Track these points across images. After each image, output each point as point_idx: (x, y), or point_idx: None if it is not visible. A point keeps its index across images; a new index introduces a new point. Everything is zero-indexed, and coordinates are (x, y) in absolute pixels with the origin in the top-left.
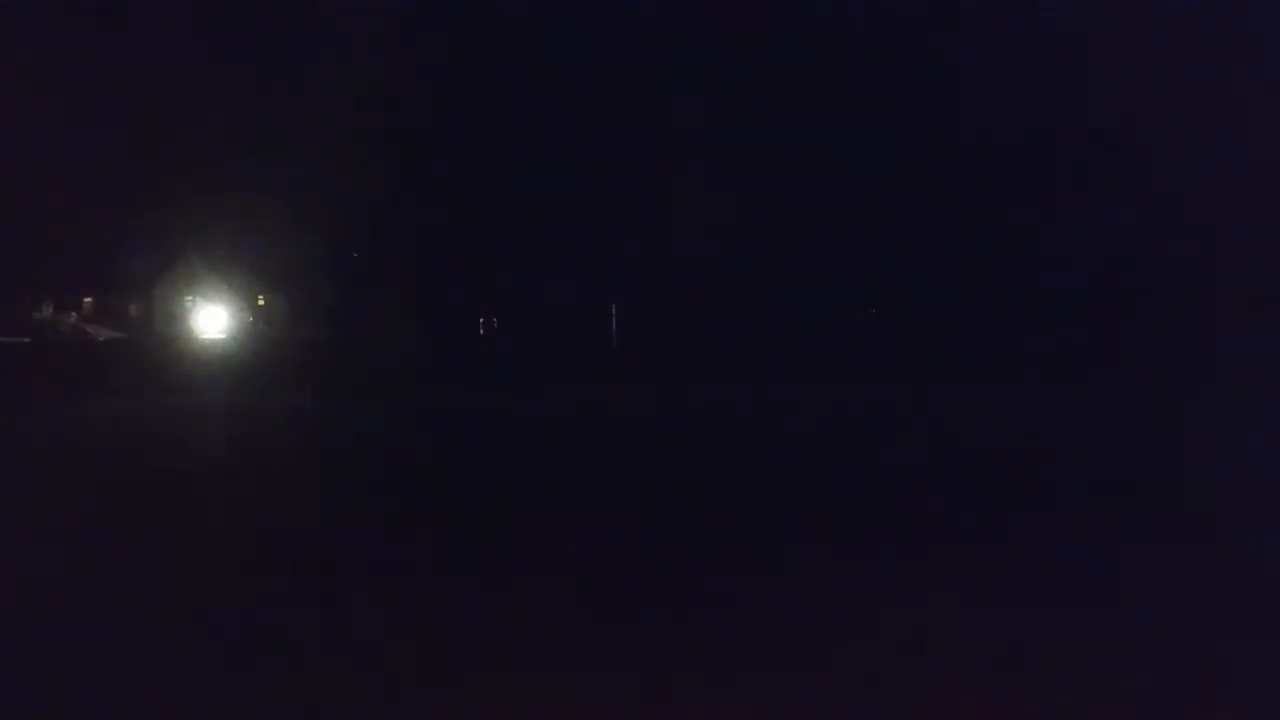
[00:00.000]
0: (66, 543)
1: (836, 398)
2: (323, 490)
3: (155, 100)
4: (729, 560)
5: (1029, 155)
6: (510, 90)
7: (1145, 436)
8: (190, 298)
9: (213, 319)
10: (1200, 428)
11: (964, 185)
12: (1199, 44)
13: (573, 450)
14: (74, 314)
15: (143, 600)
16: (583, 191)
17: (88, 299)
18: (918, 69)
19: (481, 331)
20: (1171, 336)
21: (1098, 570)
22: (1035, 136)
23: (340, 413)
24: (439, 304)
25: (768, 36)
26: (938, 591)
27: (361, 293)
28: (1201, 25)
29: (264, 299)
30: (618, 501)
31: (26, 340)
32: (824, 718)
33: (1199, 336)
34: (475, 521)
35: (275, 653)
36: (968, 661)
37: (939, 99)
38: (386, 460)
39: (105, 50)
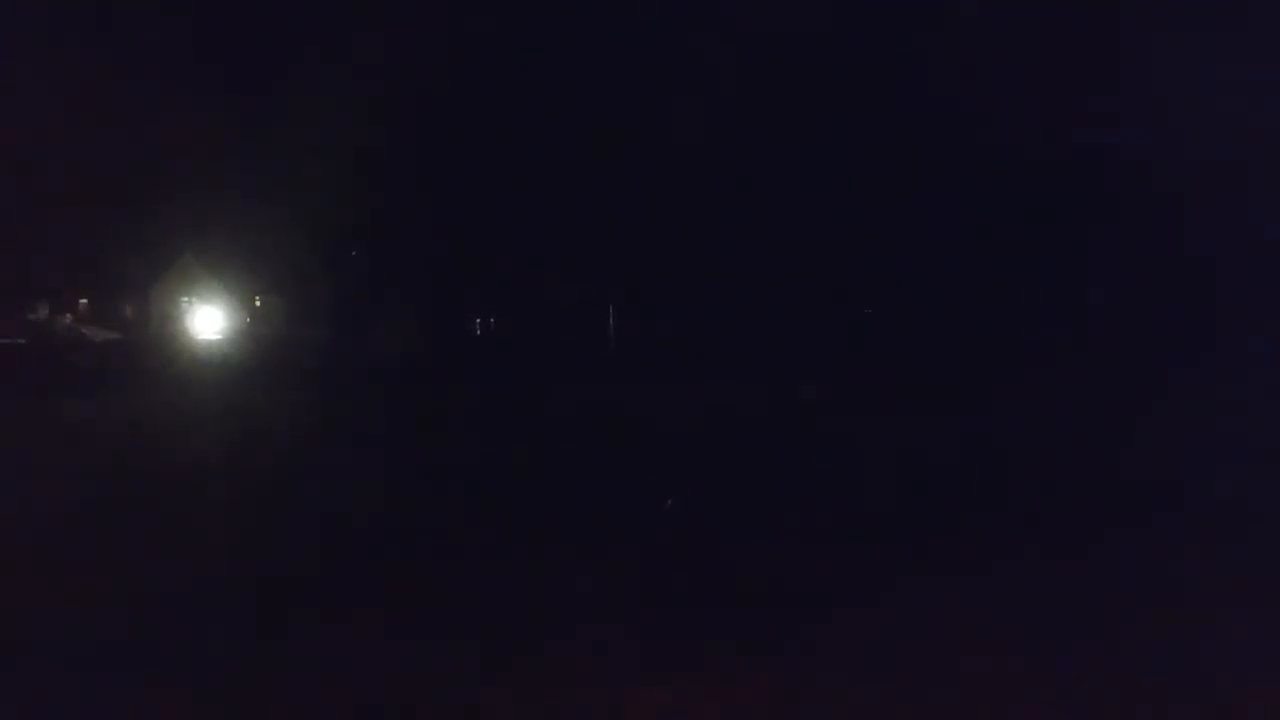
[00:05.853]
0: (63, 539)
1: (841, 395)
2: (321, 486)
3: (152, 100)
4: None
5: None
6: (508, 90)
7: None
8: (187, 299)
9: (209, 320)
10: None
11: (954, 182)
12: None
13: (570, 447)
14: (69, 315)
15: (140, 596)
16: (579, 191)
17: (83, 300)
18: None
19: (479, 332)
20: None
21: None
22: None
23: (337, 412)
24: (437, 305)
25: (757, 37)
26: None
27: (359, 293)
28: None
29: (261, 300)
30: (615, 496)
31: (21, 342)
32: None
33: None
34: (476, 519)
35: (279, 643)
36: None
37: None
38: (385, 458)
39: (100, 49)
